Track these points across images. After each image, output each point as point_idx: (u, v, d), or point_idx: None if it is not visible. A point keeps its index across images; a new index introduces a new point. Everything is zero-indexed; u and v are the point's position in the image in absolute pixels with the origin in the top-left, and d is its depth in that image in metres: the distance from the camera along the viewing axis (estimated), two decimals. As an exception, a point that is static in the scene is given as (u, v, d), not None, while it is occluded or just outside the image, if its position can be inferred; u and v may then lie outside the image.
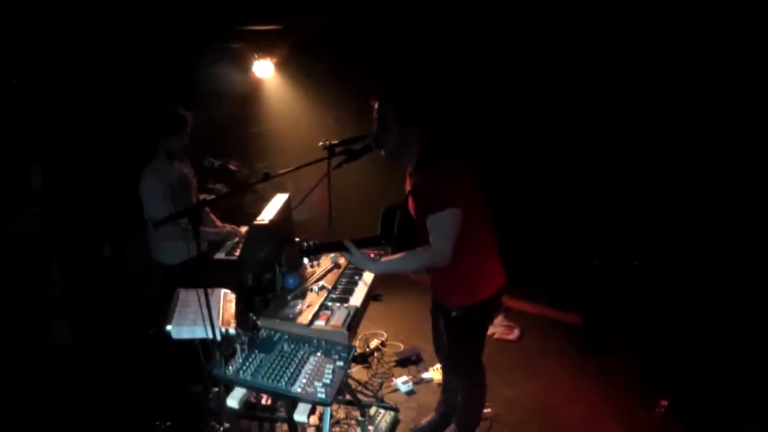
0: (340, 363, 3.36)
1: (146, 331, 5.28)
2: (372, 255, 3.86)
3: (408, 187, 3.98)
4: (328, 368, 3.30)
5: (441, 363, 4.94)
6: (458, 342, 4.17)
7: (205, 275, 4.75)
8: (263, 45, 7.64)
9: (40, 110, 5.56)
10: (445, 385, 4.85)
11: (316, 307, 3.81)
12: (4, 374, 5.24)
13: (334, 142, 3.92)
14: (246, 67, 7.68)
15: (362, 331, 6.35)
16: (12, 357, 5.36)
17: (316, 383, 3.18)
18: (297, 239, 3.94)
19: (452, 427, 4.66)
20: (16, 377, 5.28)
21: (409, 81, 3.65)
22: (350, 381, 5.40)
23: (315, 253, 3.93)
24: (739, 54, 5.58)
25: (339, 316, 3.70)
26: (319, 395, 3.11)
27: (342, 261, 4.53)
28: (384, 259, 3.77)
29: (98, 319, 5.95)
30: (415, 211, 3.76)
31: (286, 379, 3.23)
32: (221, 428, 4.09)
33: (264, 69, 7.76)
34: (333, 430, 4.79)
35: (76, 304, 5.89)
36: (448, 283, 3.88)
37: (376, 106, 3.61)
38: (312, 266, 4.51)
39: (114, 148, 5.92)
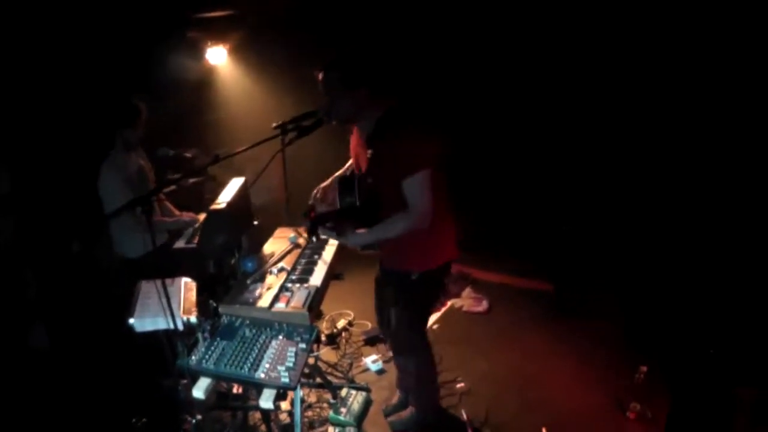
0: (303, 345, 3.33)
1: (118, 329, 5.21)
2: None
3: (356, 151, 3.95)
4: (291, 351, 3.26)
5: (389, 341, 4.89)
6: (408, 309, 4.11)
7: (167, 265, 4.72)
8: (216, 31, 7.54)
9: (1, 109, 5.45)
10: (396, 363, 4.83)
11: (275, 290, 3.76)
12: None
13: (286, 120, 3.86)
14: (200, 55, 7.58)
15: (329, 312, 6.36)
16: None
17: (279, 367, 3.14)
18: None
19: (410, 408, 4.67)
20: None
21: (352, 46, 3.59)
22: (320, 363, 5.37)
23: (315, 227, 3.86)
24: (702, 34, 5.62)
25: (299, 297, 3.64)
26: (283, 379, 3.08)
27: (301, 241, 4.48)
28: (360, 231, 3.71)
29: (73, 319, 5.87)
30: (378, 177, 3.69)
31: (249, 365, 3.20)
32: (193, 421, 4.04)
33: (217, 55, 7.66)
34: (305, 414, 4.76)
35: (51, 306, 5.80)
36: (408, 248, 3.81)
37: (321, 76, 3.56)
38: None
39: (73, 142, 5.82)
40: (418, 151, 3.47)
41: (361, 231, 3.69)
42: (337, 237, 3.72)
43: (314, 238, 4.07)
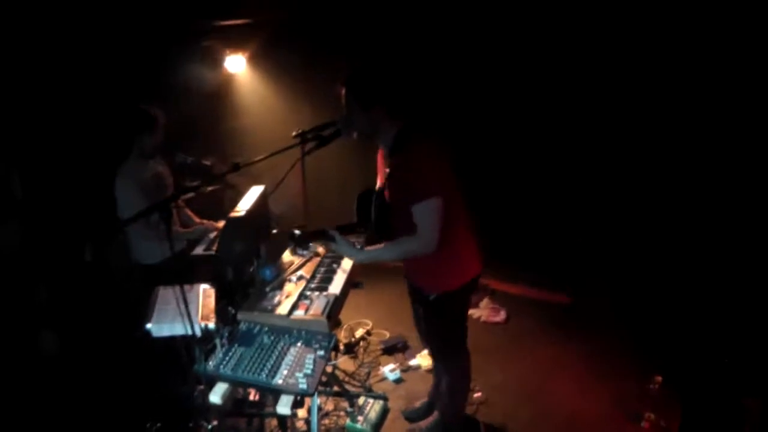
0: (321, 352, 3.33)
1: (131, 334, 5.23)
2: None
3: (381, 168, 3.93)
4: (309, 358, 3.26)
5: (427, 348, 4.88)
6: (438, 326, 4.11)
7: (185, 272, 4.73)
8: (234, 40, 7.56)
9: (15, 114, 5.48)
10: (435, 370, 4.83)
11: (294, 297, 3.77)
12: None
13: (306, 129, 3.87)
14: (218, 63, 7.60)
15: (347, 321, 6.33)
16: (2, 368, 5.29)
17: (297, 374, 3.14)
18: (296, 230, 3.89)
19: (435, 414, 4.67)
20: (8, 387, 5.21)
21: (369, 64, 3.60)
22: (337, 372, 5.39)
23: (302, 242, 3.87)
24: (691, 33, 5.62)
25: (318, 304, 3.66)
26: (301, 386, 3.08)
27: (321, 249, 4.49)
28: (368, 248, 3.70)
29: (85, 324, 5.88)
30: (391, 195, 3.69)
31: (267, 371, 3.20)
32: (209, 426, 4.05)
33: (236, 64, 7.68)
34: (322, 422, 4.76)
35: (62, 312, 5.82)
36: (426, 270, 3.83)
37: (343, 92, 3.57)
38: (300, 253, 4.46)
39: (89, 149, 5.84)
40: (431, 177, 3.46)
41: (371, 247, 3.70)
42: (335, 246, 3.68)
43: (301, 250, 4.11)
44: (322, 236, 3.72)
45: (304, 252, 4.42)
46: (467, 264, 3.93)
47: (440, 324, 4.09)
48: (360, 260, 3.78)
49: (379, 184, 4.06)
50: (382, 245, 3.66)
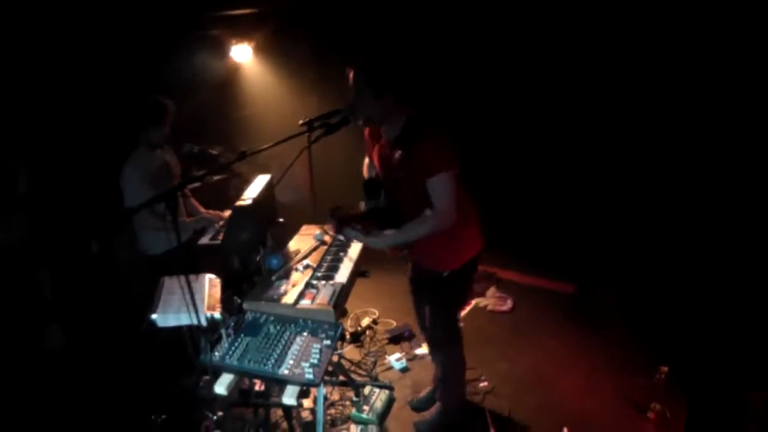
0: (327, 342, 3.31)
1: (137, 327, 5.23)
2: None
3: (378, 153, 3.94)
4: (315, 348, 3.24)
5: (426, 338, 4.87)
6: (447, 302, 4.17)
7: (191, 262, 4.71)
8: (241, 29, 7.55)
9: (19, 107, 5.46)
10: (434, 358, 4.84)
11: (301, 286, 3.74)
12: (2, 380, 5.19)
13: (313, 117, 3.85)
14: (225, 53, 7.59)
15: (353, 310, 6.33)
16: (8, 363, 5.29)
17: (303, 364, 3.12)
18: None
19: (435, 407, 4.69)
20: (13, 382, 5.21)
21: (381, 51, 3.58)
22: (343, 361, 5.37)
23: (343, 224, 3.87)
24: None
25: (324, 293, 3.63)
26: (307, 376, 3.06)
27: (327, 238, 4.47)
28: (386, 232, 3.73)
29: (90, 318, 5.87)
30: (404, 178, 3.71)
31: (273, 361, 3.18)
32: (214, 417, 4.04)
33: (242, 53, 7.66)
34: (328, 411, 4.75)
35: (68, 306, 5.81)
36: (439, 249, 3.85)
37: (351, 75, 3.56)
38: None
39: (95, 141, 5.83)
40: (444, 153, 3.52)
41: (388, 232, 3.70)
42: (364, 238, 3.74)
43: (341, 236, 4.11)
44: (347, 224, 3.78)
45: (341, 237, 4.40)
46: (474, 240, 4.02)
47: (450, 299, 4.17)
48: (383, 245, 3.78)
49: (377, 168, 4.05)
50: (403, 227, 3.69)
